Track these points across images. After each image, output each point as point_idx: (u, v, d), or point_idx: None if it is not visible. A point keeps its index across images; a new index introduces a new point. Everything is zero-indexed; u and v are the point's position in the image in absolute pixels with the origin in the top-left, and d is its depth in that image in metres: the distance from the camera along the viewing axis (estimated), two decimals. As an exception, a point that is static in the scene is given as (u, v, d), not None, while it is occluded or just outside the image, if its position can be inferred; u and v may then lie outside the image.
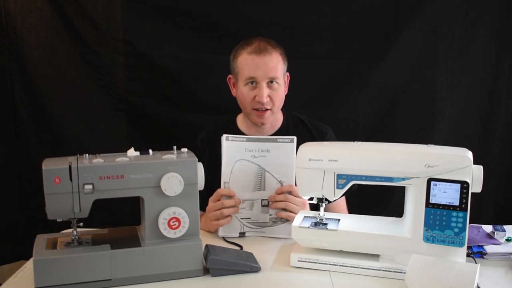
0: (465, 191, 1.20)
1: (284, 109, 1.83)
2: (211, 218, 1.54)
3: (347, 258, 1.31)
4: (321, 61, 2.27)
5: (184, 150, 1.32)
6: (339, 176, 1.31)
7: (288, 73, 1.78)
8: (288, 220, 1.53)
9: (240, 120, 1.83)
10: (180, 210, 1.25)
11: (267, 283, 1.26)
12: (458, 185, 1.20)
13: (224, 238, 1.54)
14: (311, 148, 1.35)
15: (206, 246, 1.33)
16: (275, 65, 1.68)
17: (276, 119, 1.80)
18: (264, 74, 1.66)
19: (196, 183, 1.27)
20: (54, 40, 2.21)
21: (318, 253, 1.33)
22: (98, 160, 1.22)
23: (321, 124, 1.87)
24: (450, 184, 1.21)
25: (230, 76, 1.79)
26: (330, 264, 1.31)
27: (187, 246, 1.27)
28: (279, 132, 1.79)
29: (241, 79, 1.70)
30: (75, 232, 1.26)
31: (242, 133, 1.79)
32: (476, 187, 1.22)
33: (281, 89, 1.72)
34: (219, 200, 1.54)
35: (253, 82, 1.68)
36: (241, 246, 1.46)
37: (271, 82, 1.68)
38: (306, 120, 1.86)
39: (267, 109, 1.69)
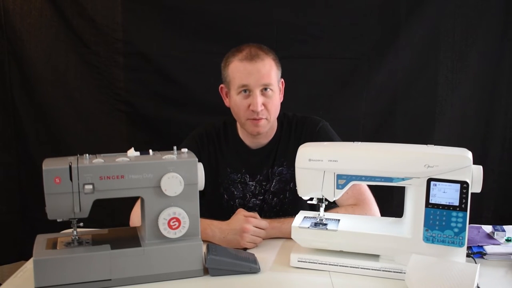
0: (465, 191, 1.20)
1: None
2: (247, 239, 1.45)
3: (347, 258, 1.30)
4: (321, 61, 2.28)
5: (184, 150, 1.32)
6: (339, 176, 1.30)
7: (283, 80, 1.70)
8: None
9: (239, 126, 1.74)
10: (180, 210, 1.25)
11: (267, 283, 1.26)
12: (458, 185, 1.20)
13: None
14: (311, 149, 1.35)
15: (208, 245, 1.33)
16: (268, 71, 1.59)
17: (271, 128, 1.70)
18: (257, 81, 1.57)
19: (196, 183, 1.27)
20: (54, 39, 2.22)
21: (318, 253, 1.33)
22: (98, 160, 1.22)
23: (311, 120, 1.75)
24: (450, 184, 1.21)
25: (222, 85, 1.70)
26: (330, 264, 1.31)
27: (187, 246, 1.26)
28: (273, 141, 1.72)
29: (234, 87, 1.61)
30: (75, 232, 1.26)
31: (241, 141, 1.73)
32: (476, 187, 1.22)
33: (276, 97, 1.63)
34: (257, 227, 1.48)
35: (246, 90, 1.59)
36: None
37: (265, 89, 1.59)
38: (296, 120, 1.75)
39: (262, 118, 1.60)
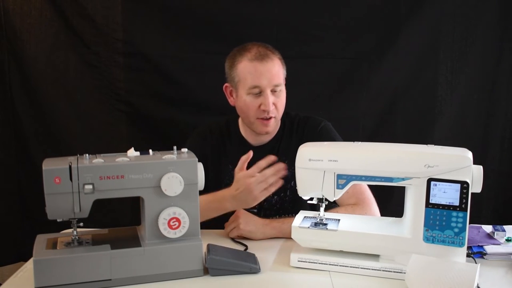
0: (465, 191, 1.20)
1: None
2: (258, 190, 1.42)
3: (347, 258, 1.30)
4: (321, 61, 2.28)
5: (184, 150, 1.32)
6: (339, 176, 1.30)
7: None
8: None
9: (241, 124, 1.77)
10: (180, 210, 1.25)
11: (267, 283, 1.26)
12: (458, 185, 1.20)
13: (231, 237, 1.53)
14: (311, 148, 1.35)
15: (208, 245, 1.33)
16: (277, 71, 1.62)
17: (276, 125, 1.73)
18: (269, 82, 1.59)
19: (196, 183, 1.27)
20: (53, 39, 2.21)
21: (318, 253, 1.33)
22: (98, 160, 1.22)
23: (313, 119, 1.76)
24: (450, 184, 1.21)
25: (226, 85, 1.70)
26: (330, 264, 1.31)
27: (187, 246, 1.27)
28: (275, 139, 1.74)
29: (243, 88, 1.62)
30: (75, 232, 1.26)
31: (243, 138, 1.75)
32: (476, 187, 1.22)
33: (283, 95, 1.66)
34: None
35: (257, 90, 1.61)
36: (246, 246, 1.46)
37: (275, 89, 1.62)
38: (298, 119, 1.76)
39: (271, 117, 1.64)
